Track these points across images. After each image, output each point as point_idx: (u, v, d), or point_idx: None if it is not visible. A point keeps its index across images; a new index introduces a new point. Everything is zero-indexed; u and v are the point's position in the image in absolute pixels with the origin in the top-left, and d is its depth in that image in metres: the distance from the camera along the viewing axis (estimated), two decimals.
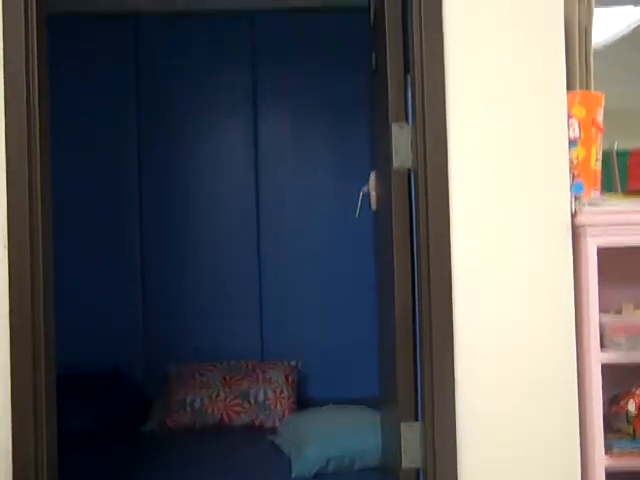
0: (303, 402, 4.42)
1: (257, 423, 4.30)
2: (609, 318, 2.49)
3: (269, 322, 4.74)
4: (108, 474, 3.59)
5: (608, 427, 2.55)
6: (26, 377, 2.43)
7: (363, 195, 3.10)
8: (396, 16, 2.61)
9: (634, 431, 2.55)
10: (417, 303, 2.56)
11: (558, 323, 2.49)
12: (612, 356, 2.47)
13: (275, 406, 4.31)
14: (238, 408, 4.32)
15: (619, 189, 2.75)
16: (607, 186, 2.72)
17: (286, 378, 4.42)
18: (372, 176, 3.08)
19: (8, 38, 2.45)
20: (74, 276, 4.35)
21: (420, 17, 2.49)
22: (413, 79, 2.52)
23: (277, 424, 4.20)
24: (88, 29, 4.61)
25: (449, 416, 2.47)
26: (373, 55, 3.05)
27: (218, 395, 4.34)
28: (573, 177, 2.55)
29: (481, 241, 2.50)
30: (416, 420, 2.57)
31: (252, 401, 4.32)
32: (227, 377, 4.42)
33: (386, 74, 2.62)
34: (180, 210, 4.75)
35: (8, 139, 2.45)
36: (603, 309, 2.49)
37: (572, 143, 2.55)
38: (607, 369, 2.48)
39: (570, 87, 2.56)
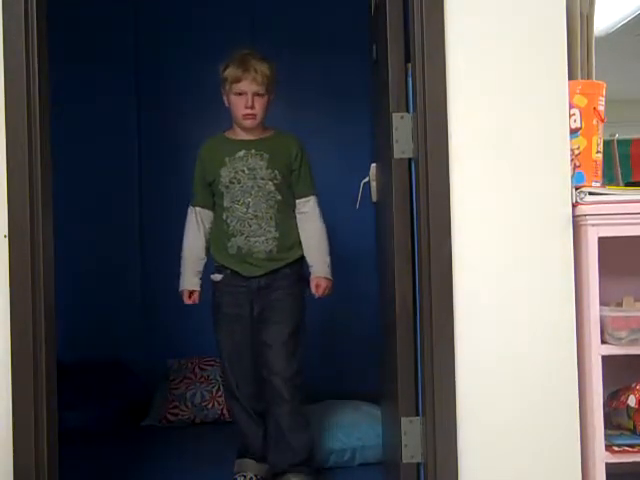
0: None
1: None
2: (610, 311, 2.47)
3: None
4: (108, 468, 3.58)
5: (608, 423, 2.54)
6: (27, 368, 2.42)
7: (364, 186, 3.09)
8: (397, 5, 2.59)
9: (634, 426, 2.54)
10: (418, 295, 2.54)
11: (558, 315, 2.48)
12: (612, 349, 2.45)
13: None
14: None
15: (620, 179, 2.74)
16: (608, 176, 2.71)
17: None
18: (373, 167, 3.08)
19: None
20: (75, 269, 4.33)
21: (421, 6, 2.48)
22: (414, 69, 2.51)
23: None
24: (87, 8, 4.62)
25: (450, 410, 2.46)
26: (374, 45, 3.03)
27: (218, 390, 4.33)
28: (574, 167, 2.54)
29: (482, 231, 2.49)
30: (417, 415, 2.56)
31: None
32: None
33: (387, 64, 2.61)
34: (180, 205, 4.73)
35: (8, 123, 2.44)
36: (603, 301, 2.47)
37: (573, 133, 2.53)
38: (607, 364, 2.46)
39: (571, 76, 2.54)
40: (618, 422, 2.61)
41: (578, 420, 2.47)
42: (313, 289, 3.22)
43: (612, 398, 2.65)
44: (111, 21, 4.75)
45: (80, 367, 4.36)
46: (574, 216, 2.49)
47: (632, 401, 2.55)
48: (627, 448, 2.48)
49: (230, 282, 3.21)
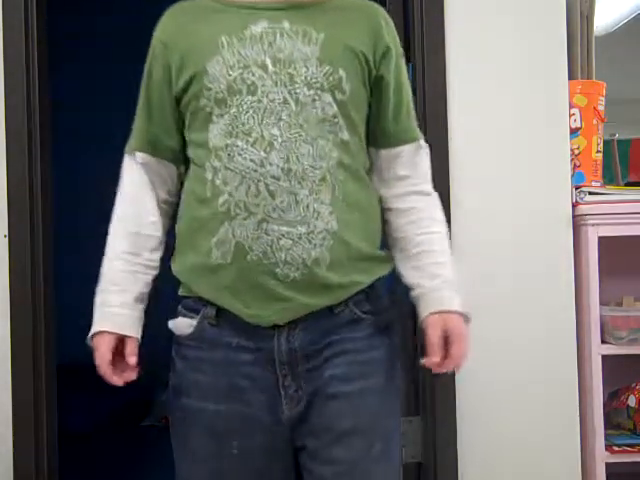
0: None
1: None
2: (609, 311, 2.47)
3: None
4: (108, 468, 3.58)
5: (608, 423, 2.54)
6: (26, 368, 2.43)
7: None
8: (397, 5, 2.60)
9: (634, 426, 2.54)
10: None
11: (558, 315, 2.47)
12: (612, 349, 2.45)
13: None
14: None
15: (620, 179, 2.73)
16: (608, 176, 2.70)
17: None
18: None
19: None
20: (74, 270, 4.32)
21: (421, 6, 2.48)
22: (414, 69, 2.51)
23: None
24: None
25: (449, 410, 2.46)
26: None
27: None
28: (574, 167, 2.53)
29: (481, 231, 2.49)
30: (416, 415, 2.55)
31: None
32: None
33: None
34: None
35: (8, 123, 2.43)
36: (603, 301, 2.47)
37: (573, 133, 2.53)
38: (606, 364, 2.46)
39: (571, 76, 2.54)
40: (618, 422, 2.60)
41: (578, 420, 2.47)
42: (433, 346, 1.55)
43: (612, 398, 2.65)
44: (111, 21, 4.75)
45: (80, 367, 4.34)
46: (574, 216, 2.48)
47: (632, 401, 2.55)
48: (627, 448, 2.48)
49: (217, 338, 1.54)
